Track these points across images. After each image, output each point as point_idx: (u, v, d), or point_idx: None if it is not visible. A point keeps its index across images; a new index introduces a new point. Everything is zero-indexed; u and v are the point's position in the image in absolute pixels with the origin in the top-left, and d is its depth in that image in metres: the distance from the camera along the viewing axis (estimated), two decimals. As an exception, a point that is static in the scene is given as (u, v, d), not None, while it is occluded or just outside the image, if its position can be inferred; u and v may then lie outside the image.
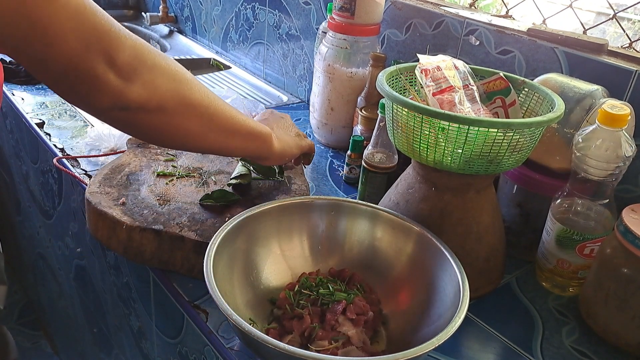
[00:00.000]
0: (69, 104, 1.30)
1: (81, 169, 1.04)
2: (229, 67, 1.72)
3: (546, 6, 1.05)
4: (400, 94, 0.72)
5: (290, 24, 1.47)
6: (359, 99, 1.10)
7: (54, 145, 1.12)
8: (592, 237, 0.76)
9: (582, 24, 0.99)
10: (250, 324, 0.56)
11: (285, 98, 1.52)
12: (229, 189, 0.87)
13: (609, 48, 0.90)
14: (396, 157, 0.96)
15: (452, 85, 0.74)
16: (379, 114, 0.93)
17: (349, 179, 1.08)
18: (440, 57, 0.78)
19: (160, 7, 1.99)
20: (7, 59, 1.41)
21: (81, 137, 1.15)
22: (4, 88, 1.32)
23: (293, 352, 0.53)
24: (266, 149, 0.76)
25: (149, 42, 0.95)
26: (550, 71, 0.90)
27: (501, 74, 0.80)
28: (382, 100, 0.87)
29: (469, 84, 0.77)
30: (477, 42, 1.03)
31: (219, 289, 0.60)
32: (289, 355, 0.54)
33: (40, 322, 1.94)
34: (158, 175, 0.89)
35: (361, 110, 1.07)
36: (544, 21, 1.04)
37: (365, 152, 0.97)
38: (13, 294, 2.02)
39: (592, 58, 0.88)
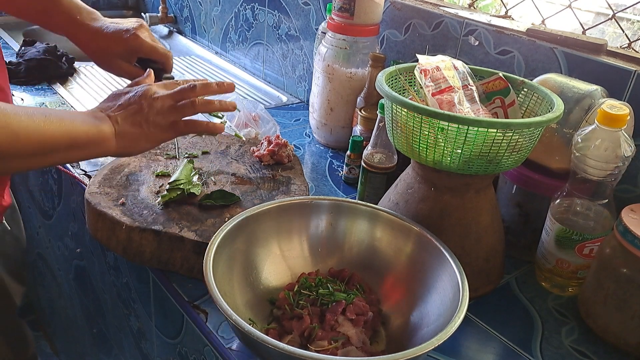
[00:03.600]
0: (69, 104, 1.30)
1: (81, 169, 1.04)
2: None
3: (545, 6, 1.05)
4: (400, 94, 0.72)
5: (290, 25, 1.47)
6: (358, 99, 1.10)
7: (54, 145, 1.11)
8: (591, 237, 0.76)
9: (581, 24, 0.99)
10: (249, 324, 0.56)
11: (284, 98, 1.52)
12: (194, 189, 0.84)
13: (608, 48, 0.90)
14: (395, 157, 0.96)
15: (451, 86, 0.74)
16: (379, 114, 0.93)
17: (348, 179, 1.08)
18: (440, 57, 0.78)
19: (160, 7, 1.99)
20: (7, 59, 1.41)
21: (81, 138, 1.14)
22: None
23: (292, 352, 0.53)
24: (101, 153, 0.70)
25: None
26: (550, 71, 0.90)
27: (500, 74, 0.80)
28: (382, 101, 0.87)
29: (468, 84, 0.77)
30: (477, 43, 1.03)
31: (218, 289, 0.60)
32: (289, 356, 0.54)
33: (39, 323, 1.94)
34: (158, 175, 0.89)
35: (360, 111, 1.07)
36: (543, 21, 1.04)
37: (365, 152, 0.97)
38: (12, 294, 2.02)
39: (591, 58, 0.88)
